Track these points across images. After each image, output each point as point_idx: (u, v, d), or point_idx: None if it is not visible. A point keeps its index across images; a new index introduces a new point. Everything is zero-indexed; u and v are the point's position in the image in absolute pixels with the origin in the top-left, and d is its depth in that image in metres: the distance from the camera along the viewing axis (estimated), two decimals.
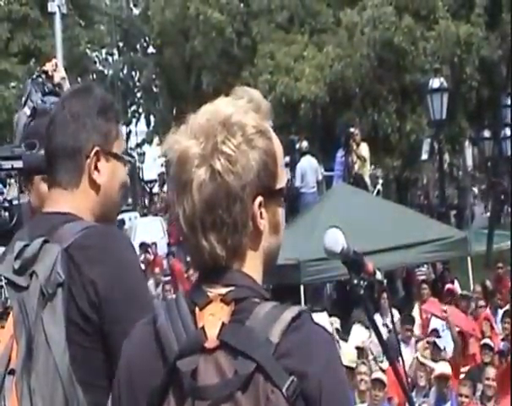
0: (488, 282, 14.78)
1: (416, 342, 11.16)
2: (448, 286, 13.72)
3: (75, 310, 2.04)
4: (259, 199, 1.63)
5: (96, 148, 2.22)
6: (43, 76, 3.43)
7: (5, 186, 2.74)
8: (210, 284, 1.64)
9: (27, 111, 3.35)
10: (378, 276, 2.48)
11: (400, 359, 2.74)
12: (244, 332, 1.55)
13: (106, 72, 41.38)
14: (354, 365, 9.71)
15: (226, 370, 1.53)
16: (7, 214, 2.66)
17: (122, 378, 1.69)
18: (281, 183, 1.69)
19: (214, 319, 1.58)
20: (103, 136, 2.24)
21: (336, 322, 11.74)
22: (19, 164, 2.68)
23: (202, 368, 1.54)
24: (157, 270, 19.56)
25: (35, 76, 3.43)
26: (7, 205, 2.66)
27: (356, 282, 2.43)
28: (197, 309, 1.61)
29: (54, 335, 2.01)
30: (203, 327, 1.57)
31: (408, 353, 10.78)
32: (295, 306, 1.61)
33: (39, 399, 1.99)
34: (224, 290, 1.61)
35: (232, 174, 1.60)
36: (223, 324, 1.56)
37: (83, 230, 2.11)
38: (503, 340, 11.35)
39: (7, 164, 2.70)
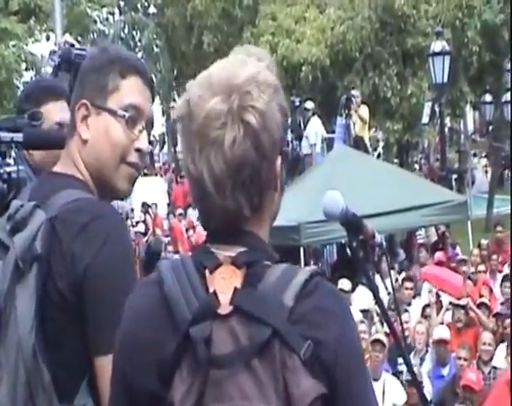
0: (484, 244, 14.80)
1: (424, 308, 11.20)
2: (438, 256, 13.64)
3: (53, 286, 1.96)
4: (279, 158, 1.63)
5: (83, 101, 2.15)
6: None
7: (4, 158, 2.67)
8: (218, 245, 1.60)
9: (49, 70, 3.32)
10: (378, 238, 2.49)
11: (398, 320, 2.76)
12: (258, 297, 1.51)
13: (106, 31, 41.11)
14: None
15: (240, 337, 1.48)
16: (5, 186, 2.53)
17: (124, 341, 1.63)
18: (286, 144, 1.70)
19: (225, 283, 1.54)
20: (96, 90, 2.15)
21: (344, 284, 11.65)
22: (18, 137, 2.59)
23: (216, 335, 1.49)
24: (158, 231, 19.57)
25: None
26: (5, 177, 2.54)
27: (355, 244, 2.44)
28: (207, 271, 1.56)
29: (23, 312, 1.94)
30: (214, 292, 1.52)
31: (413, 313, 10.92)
32: (306, 268, 1.60)
33: (5, 373, 1.95)
34: (234, 252, 1.58)
35: (265, 131, 1.56)
36: (236, 289, 1.52)
37: (73, 202, 2.03)
38: (502, 304, 11.40)
39: (7, 137, 2.59)
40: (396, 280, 12.16)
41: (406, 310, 10.87)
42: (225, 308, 1.51)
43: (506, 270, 13.09)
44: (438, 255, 13.64)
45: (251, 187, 1.57)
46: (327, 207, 2.36)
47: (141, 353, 1.58)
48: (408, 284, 11.81)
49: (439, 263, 13.01)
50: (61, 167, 2.20)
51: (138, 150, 2.18)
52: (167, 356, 1.51)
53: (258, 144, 1.56)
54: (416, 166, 33.46)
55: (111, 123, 2.15)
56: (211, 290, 1.54)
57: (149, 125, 2.23)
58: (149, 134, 2.24)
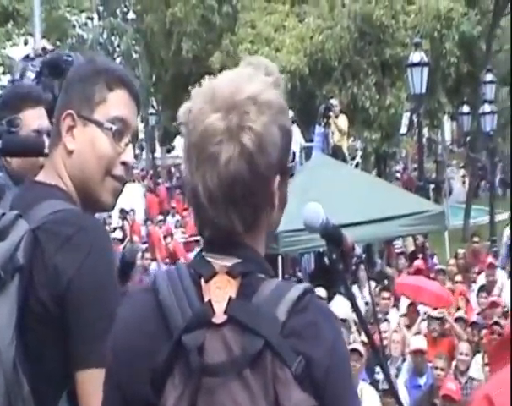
0: (461, 253, 14.88)
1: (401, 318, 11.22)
2: (416, 264, 13.70)
3: (34, 297, 1.95)
4: (278, 178, 1.64)
5: (68, 111, 2.12)
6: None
7: None
8: (214, 254, 1.62)
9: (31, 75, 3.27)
10: (357, 251, 2.48)
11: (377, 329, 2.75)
12: (252, 309, 1.53)
13: (85, 36, 41.01)
14: None
15: (233, 347, 1.50)
16: None
17: (118, 349, 1.64)
18: (291, 160, 1.70)
19: (221, 292, 1.56)
20: (82, 101, 2.12)
21: (320, 292, 11.70)
22: None
23: (209, 344, 1.51)
24: (135, 238, 19.48)
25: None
26: None
27: (335, 256, 2.43)
28: (202, 280, 1.58)
29: (4, 323, 1.92)
30: (209, 301, 1.54)
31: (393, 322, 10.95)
32: (299, 284, 1.61)
33: None
34: (230, 262, 1.60)
35: (261, 153, 1.58)
36: (230, 298, 1.54)
37: (57, 213, 2.00)
38: (478, 314, 11.46)
39: None
40: (376, 286, 12.20)
41: (386, 320, 10.89)
42: (219, 317, 1.53)
43: (482, 280, 13.17)
44: (418, 263, 13.69)
45: (244, 205, 1.59)
46: (307, 219, 2.34)
47: (136, 361, 1.59)
48: (385, 294, 11.84)
49: (418, 271, 13.07)
50: (44, 176, 2.17)
51: (123, 163, 2.17)
52: (160, 363, 1.53)
53: (253, 164, 1.57)
54: (398, 175, 33.63)
55: (97, 135, 2.13)
56: (206, 299, 1.56)
57: (135, 138, 2.22)
58: (134, 147, 2.22)
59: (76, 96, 2.14)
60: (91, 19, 41.16)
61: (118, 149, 2.15)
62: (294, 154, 1.73)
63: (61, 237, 1.97)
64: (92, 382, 1.92)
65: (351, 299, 2.68)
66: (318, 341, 1.55)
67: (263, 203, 1.63)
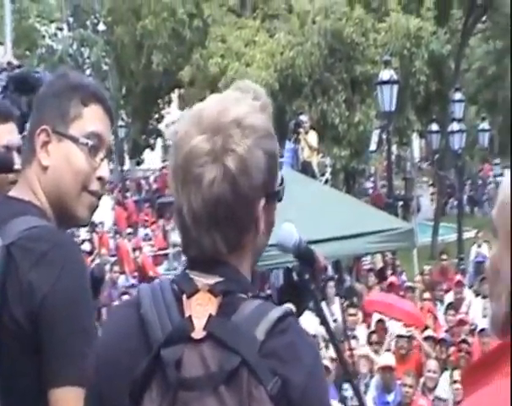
0: (427, 270, 14.99)
1: (369, 334, 11.24)
2: (390, 279, 13.81)
3: (8, 314, 1.94)
4: (263, 201, 1.65)
5: (43, 127, 2.12)
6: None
7: None
8: (199, 272, 1.64)
9: None
10: (330, 271, 2.49)
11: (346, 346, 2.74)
12: (231, 326, 1.55)
13: (55, 47, 40.85)
14: None
15: (210, 363, 1.52)
16: None
17: (100, 365, 1.66)
18: (278, 184, 1.71)
19: (201, 309, 1.58)
20: (57, 117, 2.12)
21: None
22: None
23: (186, 358, 1.53)
24: (104, 251, 19.36)
25: None
26: None
27: (307, 276, 2.43)
28: (184, 297, 1.61)
29: None
30: (190, 317, 1.56)
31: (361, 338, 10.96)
32: (280, 307, 1.62)
33: None
34: (212, 281, 1.62)
35: (244, 176, 1.60)
36: (210, 315, 1.56)
37: (31, 229, 2.00)
38: (446, 331, 11.52)
39: None
40: (344, 302, 12.21)
41: (354, 337, 10.89)
42: (198, 333, 1.55)
43: (450, 298, 13.25)
44: (392, 279, 13.77)
45: (226, 226, 1.62)
46: (281, 239, 2.36)
47: (116, 377, 1.61)
48: (352, 310, 11.86)
49: (391, 286, 13.13)
50: (17, 192, 2.16)
51: (99, 178, 2.17)
52: (138, 375, 1.54)
53: (236, 186, 1.60)
54: (371, 191, 33.76)
55: (73, 151, 2.13)
56: (187, 315, 1.58)
57: (109, 153, 2.23)
58: (108, 162, 2.23)
59: (50, 112, 2.14)
60: (61, 29, 41.03)
61: (94, 164, 2.15)
62: (282, 178, 1.72)
63: (35, 253, 1.96)
64: (65, 401, 1.92)
65: (321, 314, 2.69)
66: (297, 363, 1.56)
67: (247, 225, 1.64)
